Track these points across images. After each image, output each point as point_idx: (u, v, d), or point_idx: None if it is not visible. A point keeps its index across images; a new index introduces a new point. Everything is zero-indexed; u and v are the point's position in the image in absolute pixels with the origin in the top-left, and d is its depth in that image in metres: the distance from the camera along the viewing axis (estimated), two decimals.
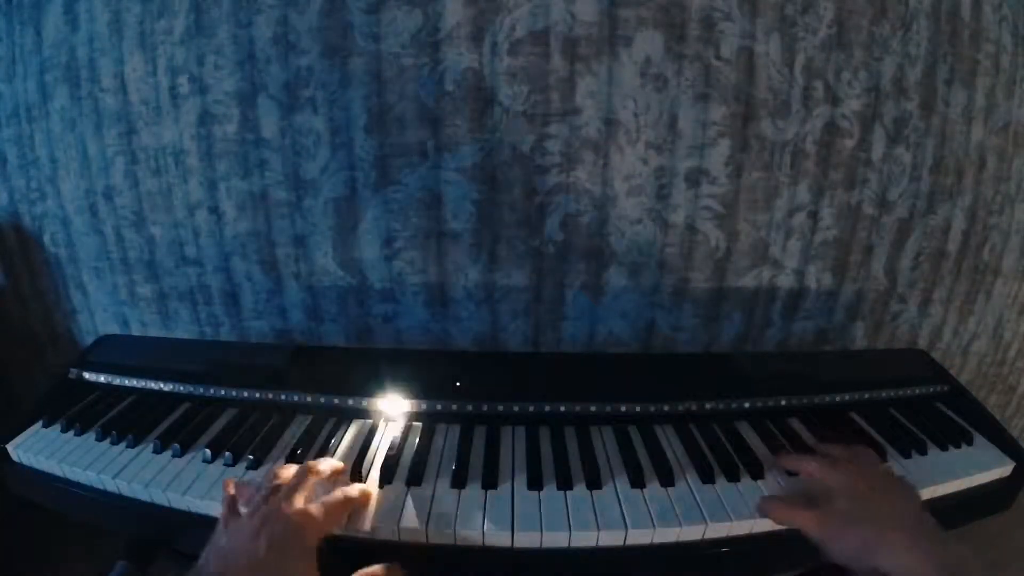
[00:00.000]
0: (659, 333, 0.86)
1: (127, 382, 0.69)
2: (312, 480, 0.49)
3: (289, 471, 0.51)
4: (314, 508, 0.46)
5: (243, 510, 0.47)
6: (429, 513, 0.51)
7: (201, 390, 0.67)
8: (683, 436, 0.61)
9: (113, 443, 0.60)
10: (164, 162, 0.82)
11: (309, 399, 0.65)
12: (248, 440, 0.59)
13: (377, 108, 0.76)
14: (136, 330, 0.94)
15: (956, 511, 0.58)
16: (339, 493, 0.49)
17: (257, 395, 0.66)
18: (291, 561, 0.42)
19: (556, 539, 0.49)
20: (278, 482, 0.49)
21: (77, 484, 0.57)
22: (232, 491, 0.49)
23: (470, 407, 0.63)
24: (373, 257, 0.82)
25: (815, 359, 0.83)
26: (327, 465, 0.52)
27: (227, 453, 0.57)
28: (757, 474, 0.56)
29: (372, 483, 0.54)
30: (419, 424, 0.63)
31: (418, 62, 0.74)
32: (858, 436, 0.62)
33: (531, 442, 0.59)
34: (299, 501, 0.46)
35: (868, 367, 0.77)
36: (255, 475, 0.56)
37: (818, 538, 0.47)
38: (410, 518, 0.50)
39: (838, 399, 0.68)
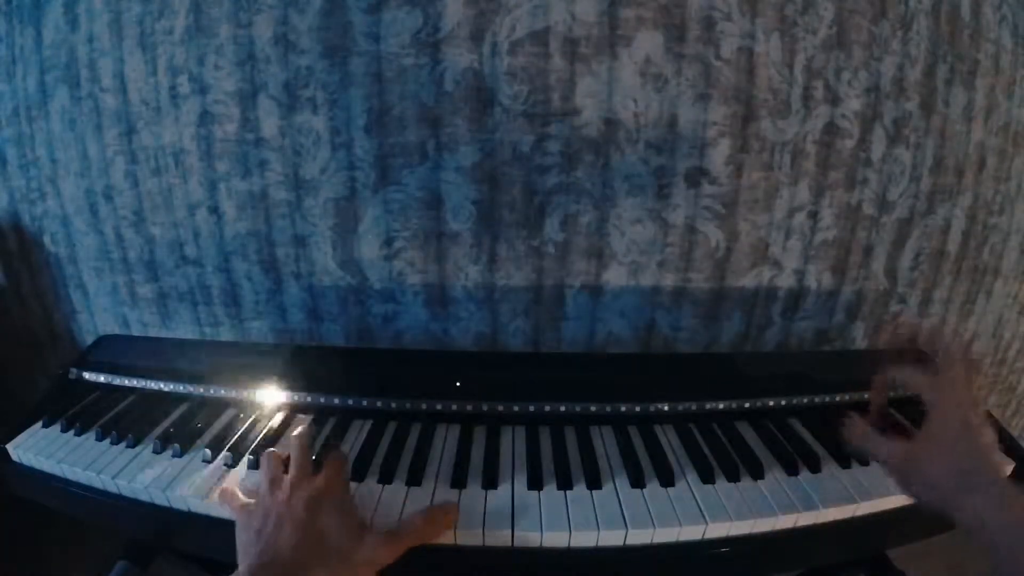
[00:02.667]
0: (659, 333, 0.86)
1: (127, 382, 0.69)
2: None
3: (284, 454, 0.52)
4: (334, 473, 0.48)
5: (251, 499, 0.48)
6: None
7: (201, 390, 0.67)
8: (683, 436, 0.61)
9: (113, 443, 0.60)
10: (164, 162, 0.82)
11: (309, 399, 0.65)
12: (248, 440, 0.59)
13: (377, 108, 0.76)
14: (136, 330, 0.94)
15: None
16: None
17: (257, 395, 0.66)
18: (331, 515, 0.43)
19: (556, 539, 0.49)
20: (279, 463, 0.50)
21: (77, 484, 0.57)
22: (231, 487, 0.50)
23: (470, 407, 0.63)
24: (373, 257, 0.82)
25: (815, 359, 0.83)
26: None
27: (227, 453, 0.57)
28: (757, 474, 0.56)
29: (370, 483, 0.54)
30: (419, 424, 0.63)
31: (418, 62, 0.74)
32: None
33: (531, 442, 0.59)
34: (309, 470, 0.48)
35: (868, 367, 0.77)
36: (255, 475, 0.56)
37: (895, 468, 0.45)
38: None
39: (838, 399, 0.68)
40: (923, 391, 0.48)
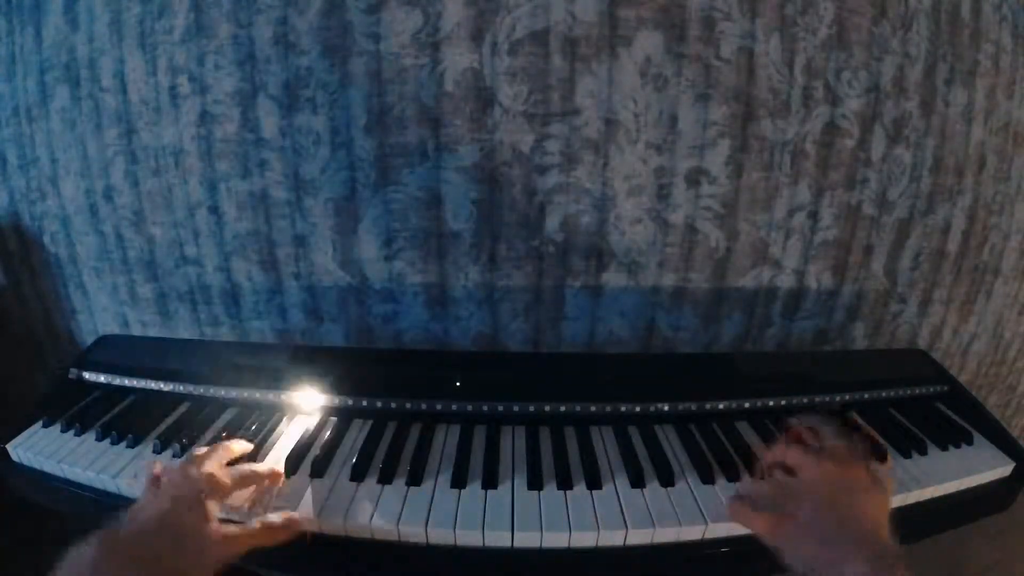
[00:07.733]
0: (659, 333, 0.86)
1: (127, 382, 0.69)
2: (222, 451, 0.52)
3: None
4: (220, 472, 0.49)
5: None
6: (429, 513, 0.51)
7: (201, 390, 0.67)
8: (683, 436, 0.61)
9: (113, 443, 0.60)
10: (164, 162, 0.82)
11: (309, 399, 0.65)
12: (248, 440, 0.59)
13: (377, 108, 0.76)
14: (136, 330, 0.94)
15: (956, 511, 0.58)
16: (247, 467, 0.52)
17: (257, 395, 0.66)
18: (186, 513, 0.46)
19: (556, 539, 0.49)
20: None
21: (77, 484, 0.57)
22: (157, 470, 0.51)
23: (470, 407, 0.63)
24: (373, 257, 0.82)
25: (815, 359, 0.83)
26: (239, 446, 0.55)
27: None
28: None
29: (370, 483, 0.54)
30: (419, 424, 0.63)
31: (418, 62, 0.74)
32: (858, 435, 0.62)
33: (531, 442, 0.59)
34: (206, 466, 0.49)
35: (868, 367, 0.77)
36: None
37: (771, 544, 0.46)
38: (410, 518, 0.50)
39: (838, 399, 0.68)
40: (801, 467, 0.49)
